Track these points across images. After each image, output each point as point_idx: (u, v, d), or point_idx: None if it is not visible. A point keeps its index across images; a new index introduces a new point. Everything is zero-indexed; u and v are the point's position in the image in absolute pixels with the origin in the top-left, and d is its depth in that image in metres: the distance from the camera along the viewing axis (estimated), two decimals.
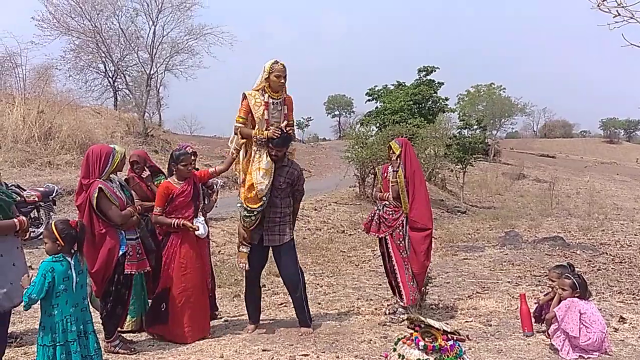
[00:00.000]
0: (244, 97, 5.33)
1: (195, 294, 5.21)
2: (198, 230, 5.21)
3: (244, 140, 5.32)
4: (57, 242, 3.76)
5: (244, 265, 5.40)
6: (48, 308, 3.73)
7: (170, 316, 5.12)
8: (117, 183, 4.91)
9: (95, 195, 4.58)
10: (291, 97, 5.50)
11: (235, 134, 5.37)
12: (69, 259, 3.80)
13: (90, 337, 3.91)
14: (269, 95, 5.30)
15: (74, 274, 3.80)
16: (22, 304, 3.77)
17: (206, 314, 5.40)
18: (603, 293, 7.08)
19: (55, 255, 3.77)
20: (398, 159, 5.86)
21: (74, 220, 3.92)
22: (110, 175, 4.82)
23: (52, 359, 3.70)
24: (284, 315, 6.11)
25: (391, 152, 5.95)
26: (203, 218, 5.31)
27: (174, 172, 5.28)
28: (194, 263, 5.22)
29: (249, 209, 5.23)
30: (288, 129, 5.38)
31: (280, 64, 5.30)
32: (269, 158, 5.24)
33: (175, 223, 5.12)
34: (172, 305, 5.12)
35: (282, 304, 6.62)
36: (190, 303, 5.17)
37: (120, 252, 4.70)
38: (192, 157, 5.84)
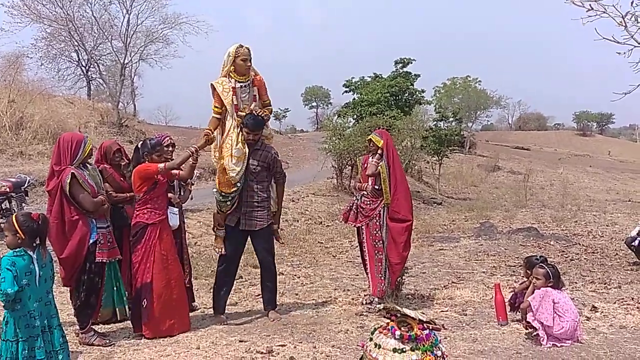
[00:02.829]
0: (211, 86, 5.37)
1: (177, 286, 5.12)
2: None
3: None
4: (17, 235, 3.65)
5: (220, 249, 5.44)
6: (8, 303, 3.62)
7: (154, 312, 4.95)
8: (90, 171, 4.84)
9: (68, 180, 4.53)
10: (261, 78, 5.55)
11: (211, 124, 5.39)
12: (31, 252, 3.69)
13: (55, 332, 3.82)
14: (235, 80, 5.38)
15: (36, 268, 3.69)
16: (3, 304, 3.65)
17: (187, 306, 5.32)
18: (576, 283, 7.20)
19: (16, 250, 3.66)
20: (380, 150, 5.87)
21: (36, 213, 3.82)
22: (83, 164, 4.75)
23: (15, 354, 3.61)
24: (262, 306, 6.08)
25: (372, 144, 5.95)
26: (176, 209, 5.25)
27: (146, 162, 5.10)
28: (174, 254, 5.15)
29: (223, 193, 5.30)
30: (259, 110, 5.43)
31: (245, 47, 5.40)
32: (240, 145, 5.26)
33: (191, 149, 5.06)
34: (156, 300, 4.95)
35: (259, 295, 6.58)
36: (174, 295, 5.07)
37: (91, 240, 4.64)
38: (171, 149, 5.77)
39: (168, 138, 5.76)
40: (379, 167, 5.81)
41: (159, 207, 5.05)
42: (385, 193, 5.80)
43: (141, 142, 5.31)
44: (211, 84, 5.37)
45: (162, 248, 5.02)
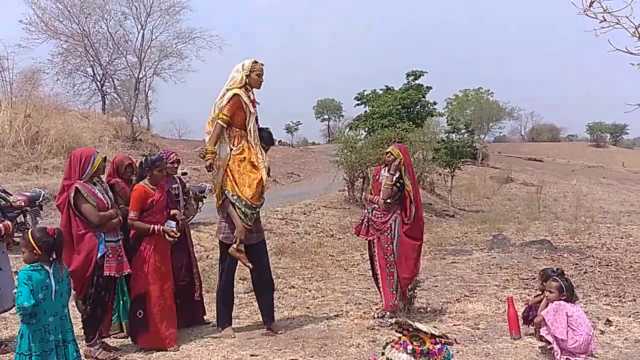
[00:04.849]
0: (235, 96, 5.38)
1: (170, 297, 5.23)
2: (177, 235, 5.24)
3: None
4: (34, 251, 3.69)
5: (249, 264, 5.46)
6: (26, 317, 3.65)
7: (149, 323, 5.06)
8: (101, 186, 4.91)
9: (73, 194, 4.65)
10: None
11: (214, 130, 5.38)
12: (48, 267, 3.73)
13: (69, 346, 3.84)
14: (250, 93, 5.52)
15: (52, 283, 3.72)
16: (20, 318, 3.67)
17: (175, 318, 5.33)
18: (590, 296, 7.13)
19: (33, 264, 3.70)
20: (399, 163, 5.87)
21: (51, 228, 3.86)
22: (93, 178, 4.83)
23: None
24: None
25: (389, 155, 5.94)
26: (174, 223, 5.30)
27: (148, 177, 5.20)
28: (167, 266, 5.26)
29: (254, 206, 5.37)
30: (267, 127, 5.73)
31: (260, 63, 5.53)
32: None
33: (155, 229, 5.10)
34: (151, 311, 5.07)
35: None
36: (168, 306, 5.18)
37: (99, 254, 4.70)
38: (176, 165, 5.87)
39: (174, 155, 5.90)
40: (407, 188, 5.82)
41: (156, 221, 5.14)
42: (410, 210, 5.81)
43: (144, 157, 5.39)
44: (236, 94, 5.39)
45: (156, 260, 5.14)
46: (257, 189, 5.35)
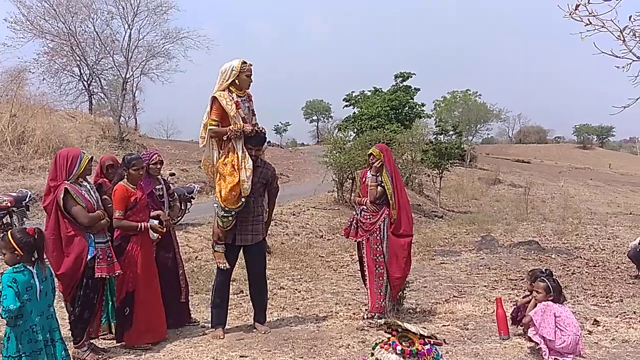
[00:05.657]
0: (214, 100, 5.30)
1: (156, 296, 5.25)
2: (163, 230, 5.29)
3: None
4: (16, 252, 3.65)
5: (224, 265, 5.39)
6: (11, 320, 3.60)
7: (137, 320, 5.07)
8: (87, 187, 4.86)
9: (62, 196, 4.58)
10: (250, 93, 5.57)
11: (211, 137, 5.29)
12: (31, 267, 3.69)
13: (57, 345, 3.82)
14: (235, 94, 5.35)
15: (37, 283, 3.69)
16: (5, 321, 3.64)
17: (164, 315, 5.36)
18: (577, 296, 7.18)
19: (16, 266, 3.66)
20: (380, 165, 5.88)
21: (31, 228, 3.82)
22: (79, 179, 4.77)
23: None
24: None
25: (372, 158, 5.97)
26: (156, 222, 5.28)
27: (126, 176, 5.16)
28: (153, 265, 5.27)
29: (227, 209, 5.22)
30: (261, 126, 5.46)
31: (249, 63, 5.41)
32: (249, 158, 5.27)
33: (143, 226, 5.10)
34: (139, 308, 5.08)
35: None
36: (154, 305, 5.20)
37: (89, 256, 4.65)
38: (159, 166, 5.82)
39: (156, 156, 5.84)
40: (385, 186, 5.83)
41: (140, 220, 5.14)
42: (393, 209, 5.82)
43: (122, 159, 5.36)
44: (214, 97, 5.30)
45: (143, 260, 5.14)
46: (232, 192, 5.18)
